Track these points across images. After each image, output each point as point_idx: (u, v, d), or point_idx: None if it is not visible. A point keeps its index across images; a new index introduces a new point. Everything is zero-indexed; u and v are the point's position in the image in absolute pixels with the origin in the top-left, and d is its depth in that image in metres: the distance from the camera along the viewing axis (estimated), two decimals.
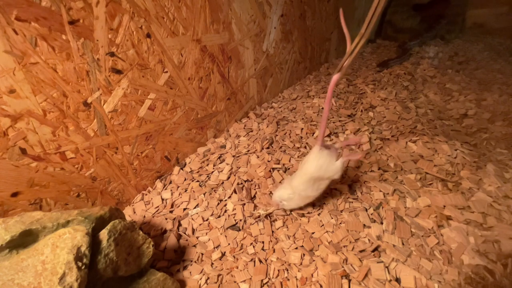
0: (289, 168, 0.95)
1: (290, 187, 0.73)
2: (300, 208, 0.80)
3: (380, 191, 0.82)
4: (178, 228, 0.80)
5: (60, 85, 0.65)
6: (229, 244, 0.74)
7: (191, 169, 1.00)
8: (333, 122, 1.14)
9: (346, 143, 0.93)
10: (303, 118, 1.19)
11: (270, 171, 0.93)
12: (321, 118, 0.69)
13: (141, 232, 0.61)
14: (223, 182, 0.93)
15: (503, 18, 1.85)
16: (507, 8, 1.82)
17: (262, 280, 0.65)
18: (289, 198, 0.74)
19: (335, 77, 0.62)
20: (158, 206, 0.88)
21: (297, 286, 0.64)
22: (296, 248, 0.71)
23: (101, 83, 0.72)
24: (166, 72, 0.85)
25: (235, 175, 0.94)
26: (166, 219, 0.83)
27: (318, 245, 0.71)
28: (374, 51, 1.91)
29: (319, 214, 0.79)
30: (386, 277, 0.62)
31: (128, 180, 0.88)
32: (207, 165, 1.00)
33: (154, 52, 0.80)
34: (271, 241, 0.74)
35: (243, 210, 0.82)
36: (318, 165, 0.68)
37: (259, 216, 0.79)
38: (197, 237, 0.77)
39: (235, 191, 0.88)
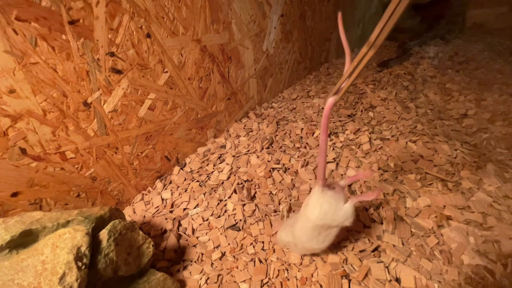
0: (289, 168, 0.95)
1: (292, 234, 0.62)
2: None
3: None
4: (178, 228, 0.80)
5: (60, 85, 0.65)
6: (229, 244, 0.74)
7: (191, 169, 1.00)
8: (333, 122, 1.14)
9: (353, 179, 0.71)
10: (303, 118, 1.19)
11: (270, 171, 0.93)
12: (319, 152, 0.53)
13: (141, 232, 0.61)
14: (223, 182, 0.93)
15: (503, 18, 1.85)
16: (507, 8, 1.82)
17: (262, 280, 0.65)
18: (290, 244, 0.65)
19: (331, 101, 0.49)
20: (158, 206, 0.88)
21: (297, 286, 0.64)
22: None
23: (101, 83, 0.72)
24: (166, 72, 0.85)
25: (235, 175, 0.94)
26: (166, 219, 0.83)
27: None
28: None
29: None
30: (386, 277, 0.62)
31: (128, 180, 0.88)
32: (207, 165, 1.00)
33: (154, 52, 0.80)
34: (271, 241, 0.74)
35: (243, 210, 0.82)
36: (323, 212, 0.54)
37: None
38: (197, 237, 0.77)
39: (235, 191, 0.88)
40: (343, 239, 0.71)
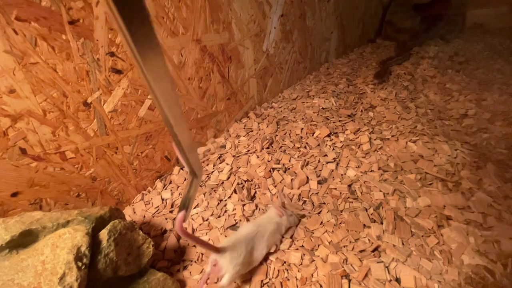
0: (289, 168, 0.95)
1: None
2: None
3: (380, 191, 0.82)
4: None
5: (60, 85, 0.65)
6: None
7: None
8: (333, 122, 1.14)
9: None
10: (303, 118, 1.19)
11: (270, 171, 0.93)
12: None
13: (141, 232, 0.61)
14: (223, 182, 0.93)
15: (503, 18, 1.86)
16: (507, 8, 1.82)
17: (262, 280, 0.65)
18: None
19: (180, 217, 0.50)
20: (158, 206, 0.88)
21: (297, 286, 0.64)
22: (297, 248, 0.71)
23: (101, 83, 0.72)
24: None
25: (235, 175, 0.94)
26: (166, 219, 0.83)
27: (318, 245, 0.71)
28: (374, 51, 1.91)
29: (319, 214, 0.79)
30: (386, 277, 0.62)
31: (128, 180, 0.88)
32: (207, 165, 1.00)
33: None
34: None
35: (243, 210, 0.82)
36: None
37: None
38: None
39: (235, 191, 0.88)
40: (343, 238, 0.71)
